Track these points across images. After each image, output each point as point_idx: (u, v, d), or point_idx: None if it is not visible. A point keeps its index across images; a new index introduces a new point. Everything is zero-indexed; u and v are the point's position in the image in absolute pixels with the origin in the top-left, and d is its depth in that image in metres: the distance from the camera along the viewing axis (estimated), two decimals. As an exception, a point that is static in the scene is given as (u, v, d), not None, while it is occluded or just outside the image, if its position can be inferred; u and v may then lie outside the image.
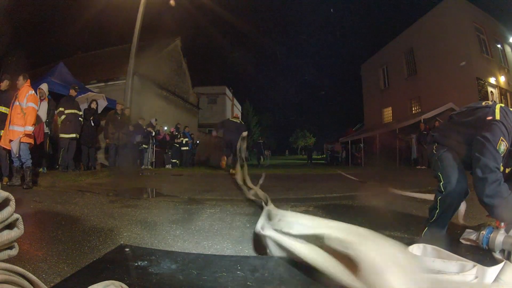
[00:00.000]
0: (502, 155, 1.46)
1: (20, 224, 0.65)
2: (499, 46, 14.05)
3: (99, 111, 7.26)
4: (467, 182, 1.66)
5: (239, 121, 7.28)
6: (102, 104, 7.61)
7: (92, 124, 6.79)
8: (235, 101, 29.62)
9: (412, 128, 11.41)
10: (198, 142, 12.84)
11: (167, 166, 9.71)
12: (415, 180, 5.25)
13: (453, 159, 1.70)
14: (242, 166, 4.43)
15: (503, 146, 1.45)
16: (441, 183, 1.69)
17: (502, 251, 1.33)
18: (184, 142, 10.85)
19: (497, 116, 1.50)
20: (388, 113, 17.73)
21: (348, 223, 2.09)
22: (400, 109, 15.97)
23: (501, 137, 1.45)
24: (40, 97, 5.29)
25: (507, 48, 14.44)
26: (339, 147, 21.49)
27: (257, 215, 2.43)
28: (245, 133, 5.86)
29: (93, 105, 6.92)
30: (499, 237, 1.31)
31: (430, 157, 1.89)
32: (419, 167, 9.90)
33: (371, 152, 14.47)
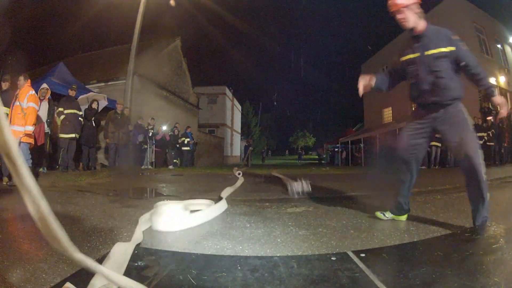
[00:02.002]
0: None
1: None
2: (499, 46, 14.06)
3: (99, 110, 7.28)
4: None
5: (247, 144, 14.01)
6: (102, 103, 7.62)
7: (93, 124, 6.79)
8: (235, 101, 29.60)
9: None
10: (196, 142, 12.83)
11: (170, 166, 9.70)
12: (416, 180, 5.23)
13: None
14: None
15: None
16: None
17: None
18: (185, 142, 10.86)
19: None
20: (388, 113, 17.73)
21: (348, 223, 2.10)
22: (400, 109, 15.96)
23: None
24: (40, 97, 5.29)
25: (507, 48, 14.45)
26: (322, 151, 22.77)
27: (257, 215, 2.43)
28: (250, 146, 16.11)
29: (94, 105, 6.93)
30: (294, 186, 3.04)
31: None
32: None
33: (371, 152, 14.48)
